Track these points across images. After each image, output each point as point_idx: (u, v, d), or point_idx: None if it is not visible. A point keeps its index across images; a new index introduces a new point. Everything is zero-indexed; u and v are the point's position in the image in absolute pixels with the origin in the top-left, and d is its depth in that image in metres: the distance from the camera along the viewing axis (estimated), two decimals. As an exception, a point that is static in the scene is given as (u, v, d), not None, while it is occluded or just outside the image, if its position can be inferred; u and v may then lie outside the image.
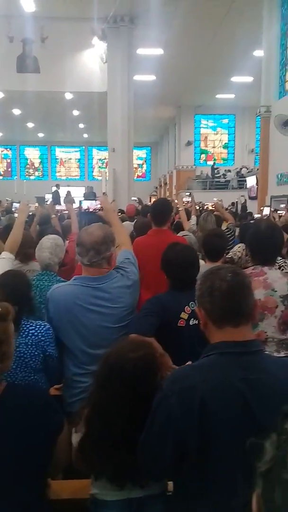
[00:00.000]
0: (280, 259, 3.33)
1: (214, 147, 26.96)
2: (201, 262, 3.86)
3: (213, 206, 6.48)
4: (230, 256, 4.29)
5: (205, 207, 6.35)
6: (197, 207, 6.56)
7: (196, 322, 2.46)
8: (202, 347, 2.39)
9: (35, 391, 1.85)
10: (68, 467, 1.85)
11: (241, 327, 1.41)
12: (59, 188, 19.12)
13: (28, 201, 4.43)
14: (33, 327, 2.38)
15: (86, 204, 3.69)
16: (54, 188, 19.14)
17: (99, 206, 3.35)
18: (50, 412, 1.58)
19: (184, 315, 2.49)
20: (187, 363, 1.66)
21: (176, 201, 9.59)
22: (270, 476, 0.62)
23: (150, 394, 1.48)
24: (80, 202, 3.73)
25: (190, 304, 2.49)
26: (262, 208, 11.63)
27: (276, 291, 2.57)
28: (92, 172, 31.61)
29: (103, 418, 1.55)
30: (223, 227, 5.75)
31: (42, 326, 2.39)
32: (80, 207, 3.68)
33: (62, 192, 17.76)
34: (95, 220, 3.07)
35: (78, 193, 19.65)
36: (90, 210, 3.60)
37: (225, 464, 1.27)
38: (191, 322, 2.49)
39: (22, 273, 2.75)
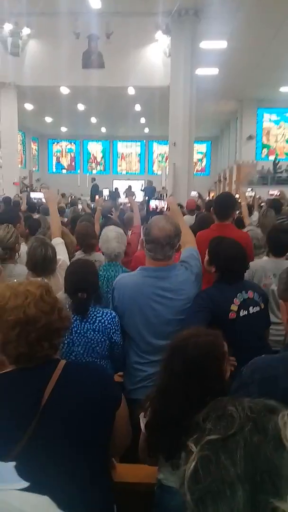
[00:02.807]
0: None
1: (276, 141, 26.18)
2: (265, 257, 3.83)
3: (279, 194, 6.42)
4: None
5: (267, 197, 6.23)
6: (260, 203, 6.45)
7: (246, 313, 2.48)
8: (256, 339, 2.38)
9: (92, 366, 1.91)
10: (130, 453, 1.91)
11: None
12: (94, 181, 19.69)
13: (49, 188, 4.64)
14: (100, 314, 2.47)
15: (154, 203, 3.78)
16: (92, 182, 19.74)
17: (165, 206, 3.44)
18: (108, 386, 1.63)
19: (234, 307, 2.50)
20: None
21: (238, 195, 9.47)
22: None
23: (212, 381, 1.51)
24: (148, 200, 3.84)
25: (238, 295, 2.51)
26: None
27: None
28: (152, 166, 31.74)
29: (163, 398, 1.59)
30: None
31: (109, 314, 2.48)
32: (148, 205, 3.78)
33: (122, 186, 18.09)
34: None
35: (138, 187, 19.90)
36: (157, 209, 3.70)
37: None
38: (241, 313, 2.49)
39: (91, 262, 2.86)
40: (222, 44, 15.16)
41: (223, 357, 1.63)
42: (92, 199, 14.71)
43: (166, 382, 1.61)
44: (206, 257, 2.71)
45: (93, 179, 20.53)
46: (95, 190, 17.82)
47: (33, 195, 8.40)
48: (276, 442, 0.61)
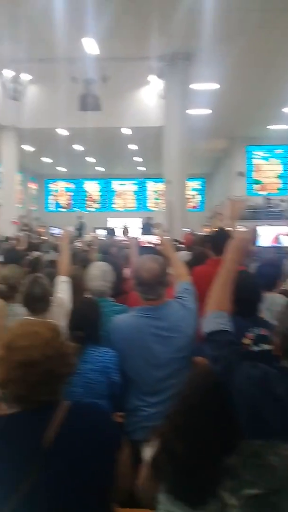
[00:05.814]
0: None
1: (267, 177, 26.68)
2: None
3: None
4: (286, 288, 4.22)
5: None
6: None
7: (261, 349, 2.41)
8: None
9: (94, 408, 1.86)
10: (129, 499, 1.85)
11: None
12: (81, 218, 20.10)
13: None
14: (100, 354, 2.46)
15: (145, 239, 3.82)
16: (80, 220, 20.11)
17: (157, 241, 3.47)
18: (110, 428, 1.62)
19: (246, 341, 2.44)
20: None
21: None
22: None
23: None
24: (138, 237, 3.89)
25: (250, 330, 2.46)
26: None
27: None
28: (147, 203, 32.16)
29: (187, 438, 1.44)
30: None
31: (109, 353, 2.47)
32: (138, 241, 3.79)
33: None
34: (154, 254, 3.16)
35: (134, 223, 20.10)
36: (148, 245, 3.74)
37: None
38: (256, 349, 2.43)
39: (94, 301, 2.86)
40: (213, 86, 15.70)
41: None
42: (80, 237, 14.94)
43: (189, 421, 1.47)
44: None
45: (80, 217, 20.75)
46: (82, 228, 17.92)
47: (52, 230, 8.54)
48: None
